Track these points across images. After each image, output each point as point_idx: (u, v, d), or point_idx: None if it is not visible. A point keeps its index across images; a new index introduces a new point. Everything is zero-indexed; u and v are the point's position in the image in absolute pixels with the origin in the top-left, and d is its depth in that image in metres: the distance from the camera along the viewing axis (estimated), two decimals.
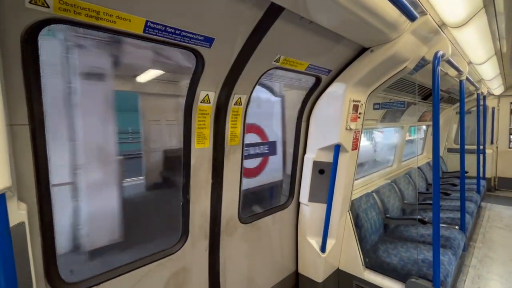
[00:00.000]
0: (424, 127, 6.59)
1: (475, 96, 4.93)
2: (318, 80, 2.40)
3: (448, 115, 6.74)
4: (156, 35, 1.31)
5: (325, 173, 2.54)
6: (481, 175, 5.25)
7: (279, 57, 1.86)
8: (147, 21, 1.23)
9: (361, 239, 2.78)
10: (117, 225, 3.30)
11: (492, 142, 6.71)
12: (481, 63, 3.48)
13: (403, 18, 1.73)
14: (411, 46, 2.09)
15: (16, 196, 1.06)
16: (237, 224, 2.18)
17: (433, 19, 2.02)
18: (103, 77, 3.11)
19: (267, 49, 1.72)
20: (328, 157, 2.50)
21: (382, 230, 3.25)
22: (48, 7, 1.01)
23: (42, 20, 1.04)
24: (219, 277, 2.10)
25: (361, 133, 2.64)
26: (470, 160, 5.08)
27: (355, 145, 2.57)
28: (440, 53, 2.18)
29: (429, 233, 3.16)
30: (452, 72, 3.16)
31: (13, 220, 0.97)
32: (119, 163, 3.45)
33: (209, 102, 1.77)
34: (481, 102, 5.08)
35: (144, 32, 1.27)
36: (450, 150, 7.09)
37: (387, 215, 3.37)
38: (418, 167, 5.31)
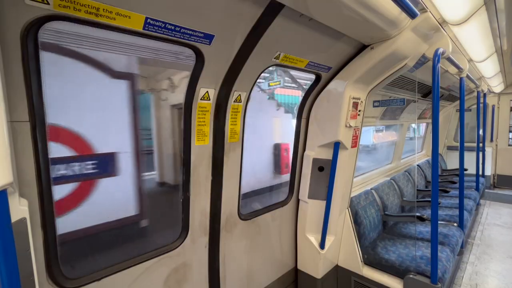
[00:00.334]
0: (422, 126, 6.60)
1: (475, 93, 4.93)
2: (318, 77, 2.40)
3: (448, 113, 6.73)
4: (156, 32, 1.30)
5: (325, 170, 2.55)
6: (480, 172, 5.26)
7: (279, 54, 1.86)
8: (146, 18, 1.23)
9: (360, 236, 2.80)
10: None
11: (491, 140, 6.71)
12: (482, 61, 3.47)
13: (403, 15, 1.72)
14: (411, 43, 2.09)
15: (18, 192, 1.06)
16: (236, 221, 2.20)
17: (433, 16, 2.01)
18: None
19: (267, 46, 1.72)
20: (327, 155, 2.50)
21: (381, 227, 3.27)
22: (48, 3, 1.01)
23: (42, 17, 1.04)
24: (219, 273, 2.12)
25: (361, 131, 2.65)
26: (470, 158, 5.09)
27: (355, 143, 2.57)
28: (441, 50, 2.17)
29: (428, 230, 3.18)
30: (452, 69, 3.16)
31: (15, 216, 0.97)
32: None
33: (209, 99, 1.77)
34: (481, 100, 5.07)
35: (144, 29, 1.26)
36: (449, 148, 7.10)
37: (386, 212, 3.39)
38: (418, 165, 5.32)
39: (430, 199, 2.30)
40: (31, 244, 1.05)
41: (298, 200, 2.74)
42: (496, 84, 5.42)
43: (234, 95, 1.87)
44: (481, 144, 5.45)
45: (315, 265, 2.61)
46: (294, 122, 2.43)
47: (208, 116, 1.81)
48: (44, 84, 1.17)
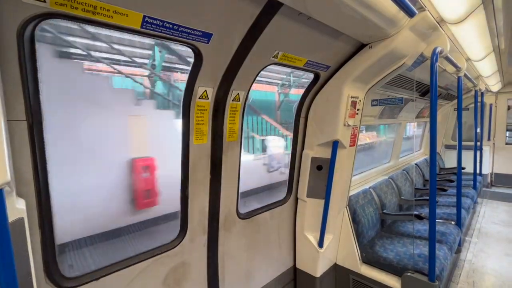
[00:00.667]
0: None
1: (472, 92, 4.95)
2: (316, 76, 2.40)
3: (446, 112, 6.76)
4: (154, 30, 1.30)
5: (323, 169, 2.55)
6: (478, 171, 5.29)
7: (278, 53, 1.86)
8: (144, 16, 1.22)
9: (359, 235, 2.81)
10: None
11: (489, 139, 6.75)
12: (479, 60, 3.48)
13: (402, 14, 1.73)
14: (409, 42, 2.09)
15: (15, 191, 1.06)
16: (235, 220, 2.20)
17: (431, 15, 2.02)
18: None
19: (266, 45, 1.72)
20: (326, 153, 2.51)
21: (379, 226, 3.28)
22: (45, 1, 1.00)
23: (39, 15, 1.03)
24: (218, 272, 2.12)
25: (359, 129, 2.65)
26: (467, 157, 5.12)
27: (353, 142, 2.58)
28: (439, 49, 2.18)
29: (426, 228, 3.20)
30: (450, 68, 3.17)
31: (12, 216, 0.97)
32: None
33: (207, 98, 1.76)
34: (479, 99, 5.10)
35: (141, 27, 1.26)
36: (447, 147, 7.14)
37: (384, 211, 3.40)
38: (416, 164, 5.34)
39: (428, 198, 2.31)
40: (28, 244, 1.05)
41: (296, 199, 2.75)
42: (494, 83, 5.45)
43: (232, 94, 1.87)
44: (478, 143, 5.48)
45: (314, 264, 2.62)
46: (175, 122, 2.21)
47: (206, 115, 1.81)
48: (41, 82, 1.16)
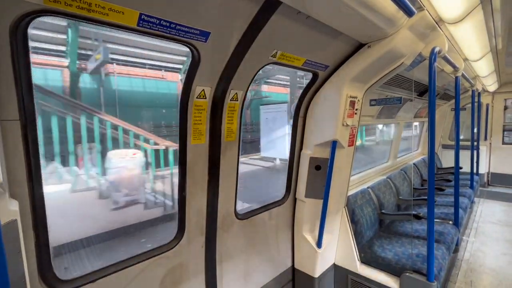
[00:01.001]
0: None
1: (469, 92, 4.97)
2: (315, 76, 2.39)
3: (443, 112, 6.79)
4: (150, 28, 1.28)
5: (322, 169, 2.54)
6: (474, 171, 5.32)
7: (276, 52, 1.84)
8: (141, 14, 1.20)
9: (357, 235, 2.80)
10: None
11: (486, 138, 6.79)
12: (477, 60, 3.49)
13: (400, 13, 1.72)
14: (408, 42, 2.09)
15: (8, 192, 1.03)
16: (233, 220, 2.18)
17: (430, 14, 2.02)
18: None
19: (264, 44, 1.70)
20: (324, 153, 2.50)
21: (378, 226, 3.28)
22: None
23: (32, 11, 1.00)
24: (216, 273, 2.10)
25: (358, 129, 2.65)
26: (464, 156, 5.14)
27: (352, 141, 2.57)
28: (437, 49, 2.18)
29: (424, 228, 3.20)
30: (448, 68, 3.17)
31: (5, 218, 0.95)
32: None
33: (205, 98, 1.75)
34: (476, 99, 5.12)
35: (138, 25, 1.24)
36: (444, 146, 7.17)
37: (383, 211, 3.41)
38: (414, 163, 5.36)
39: (426, 197, 2.31)
40: (22, 246, 1.03)
41: (295, 199, 2.73)
42: (491, 83, 5.48)
43: (230, 93, 1.85)
44: (475, 143, 5.51)
45: (312, 264, 2.61)
46: None
47: (204, 115, 1.79)
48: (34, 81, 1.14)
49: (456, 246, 3.38)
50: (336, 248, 2.81)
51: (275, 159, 10.17)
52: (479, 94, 5.56)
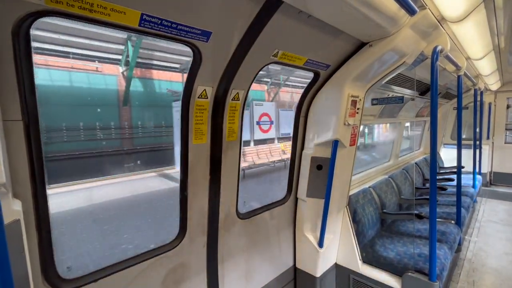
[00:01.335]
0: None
1: (472, 91, 4.95)
2: (316, 75, 2.38)
3: (445, 111, 6.76)
4: (152, 28, 1.28)
5: (323, 168, 2.54)
6: (477, 170, 5.30)
7: (277, 52, 1.84)
8: (142, 14, 1.20)
9: (359, 234, 2.80)
10: None
11: (488, 138, 6.76)
12: (479, 59, 3.47)
13: (402, 12, 1.71)
14: (410, 41, 2.08)
15: (11, 192, 1.04)
16: (235, 220, 2.18)
17: (432, 13, 2.00)
18: None
19: (265, 43, 1.70)
20: (326, 153, 2.49)
21: (379, 225, 3.27)
22: None
23: (34, 12, 1.01)
24: (217, 273, 2.11)
25: (359, 129, 2.64)
26: (466, 155, 5.12)
27: (353, 141, 2.57)
28: (439, 48, 2.16)
29: (426, 227, 3.19)
30: (450, 67, 3.16)
31: (8, 218, 0.95)
32: None
33: (207, 97, 1.75)
34: (478, 98, 5.10)
35: (139, 25, 1.24)
36: (446, 145, 7.14)
37: (384, 210, 3.40)
38: (415, 163, 5.34)
39: (428, 197, 2.30)
40: (25, 246, 1.03)
41: (296, 199, 2.73)
42: (493, 82, 5.45)
43: (232, 93, 1.85)
44: (477, 142, 5.48)
45: (314, 264, 2.61)
46: None
47: (205, 115, 1.79)
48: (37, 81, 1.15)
49: (459, 246, 3.36)
50: (337, 247, 2.81)
51: None
52: (481, 93, 5.54)
